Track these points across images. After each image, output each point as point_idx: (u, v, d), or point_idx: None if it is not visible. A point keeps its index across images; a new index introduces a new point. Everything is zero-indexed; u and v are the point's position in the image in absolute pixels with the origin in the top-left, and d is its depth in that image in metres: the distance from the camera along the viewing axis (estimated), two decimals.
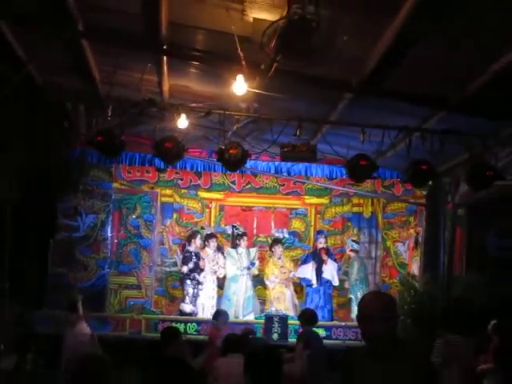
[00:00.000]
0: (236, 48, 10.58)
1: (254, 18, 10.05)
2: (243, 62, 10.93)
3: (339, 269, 18.89)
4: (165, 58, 12.30)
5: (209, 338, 14.14)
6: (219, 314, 14.76)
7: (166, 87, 13.77)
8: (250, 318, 17.93)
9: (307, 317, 13.68)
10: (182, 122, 13.49)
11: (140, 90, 13.19)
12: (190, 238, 18.88)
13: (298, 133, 12.91)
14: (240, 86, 11.57)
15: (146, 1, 10.44)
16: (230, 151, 13.00)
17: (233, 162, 13.30)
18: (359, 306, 5.24)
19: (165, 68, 12.75)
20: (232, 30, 10.30)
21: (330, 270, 18.61)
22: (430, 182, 15.82)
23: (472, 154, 13.12)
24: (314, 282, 18.51)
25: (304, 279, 18.74)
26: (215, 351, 12.52)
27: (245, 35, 10.32)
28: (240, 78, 11.40)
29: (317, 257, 18.77)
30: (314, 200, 19.74)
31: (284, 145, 13.41)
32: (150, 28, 11.25)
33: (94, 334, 14.27)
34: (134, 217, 18.86)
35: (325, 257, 18.67)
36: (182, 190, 19.45)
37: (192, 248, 18.61)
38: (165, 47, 11.78)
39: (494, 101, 11.63)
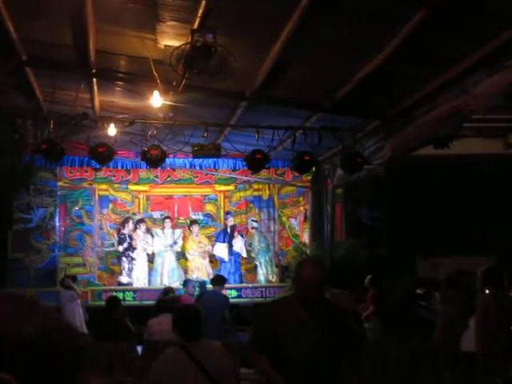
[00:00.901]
0: (152, 69, 10.69)
1: (165, 45, 10.15)
2: (158, 81, 11.05)
3: (245, 242, 19.09)
4: (94, 79, 12.35)
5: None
6: (187, 283, 14.93)
7: (97, 103, 13.76)
8: (176, 284, 18.06)
9: (213, 280, 14.42)
10: (111, 130, 13.55)
11: (76, 105, 13.20)
12: (124, 223, 18.86)
13: (205, 135, 13.03)
14: (156, 100, 11.68)
15: (76, 34, 10.45)
16: (152, 152, 13.10)
17: (154, 161, 13.42)
18: (301, 272, 5.27)
19: (95, 87, 12.78)
20: (147, 55, 10.41)
21: (239, 244, 18.81)
22: (314, 169, 16.17)
23: (344, 146, 13.41)
24: (226, 258, 18.75)
25: (218, 257, 18.91)
26: None
27: (158, 59, 10.38)
28: (156, 93, 11.51)
29: (227, 233, 18.97)
30: (223, 187, 19.77)
31: (194, 145, 13.48)
32: (81, 56, 11.29)
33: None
34: (76, 208, 18.70)
35: (235, 233, 18.92)
36: (115, 185, 19.32)
37: (126, 231, 18.63)
38: (94, 71, 11.83)
39: (358, 103, 11.95)
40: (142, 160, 13.85)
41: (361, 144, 13.48)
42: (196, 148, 13.47)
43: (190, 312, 6.31)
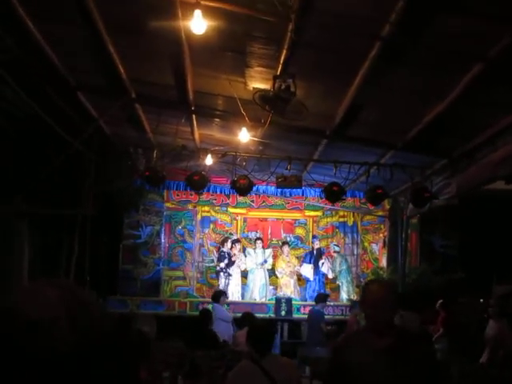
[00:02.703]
0: (240, 109, 11.03)
1: (253, 87, 10.45)
2: (246, 118, 11.37)
3: (330, 264, 19.20)
4: (193, 115, 12.78)
5: (348, 322, 14.69)
6: (355, 305, 15.32)
7: (196, 135, 14.22)
8: (265, 300, 18.30)
9: (316, 298, 15.73)
10: (208, 160, 13.94)
11: (178, 137, 13.66)
12: (223, 242, 19.18)
13: (288, 168, 13.22)
14: (244, 135, 12.00)
15: (176, 76, 10.90)
16: (240, 181, 13.36)
17: (242, 189, 13.62)
18: (369, 293, 4.55)
19: (194, 122, 13.23)
20: (237, 96, 10.73)
21: (326, 266, 18.91)
22: (391, 200, 16.23)
23: (413, 181, 13.41)
24: (312, 278, 18.85)
25: (305, 276, 19.03)
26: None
27: (248, 99, 10.68)
28: (244, 129, 11.83)
29: (313, 255, 19.11)
30: (311, 213, 19.94)
31: (278, 176, 13.71)
32: (181, 95, 11.75)
33: None
34: (180, 227, 19.20)
35: (322, 255, 19.07)
36: (216, 207, 19.73)
37: (225, 249, 18.91)
38: (192, 108, 12.27)
39: (427, 143, 12.00)
40: (231, 188, 14.16)
41: (430, 180, 13.45)
42: (280, 179, 13.67)
43: (261, 328, 6.43)
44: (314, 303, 17.11)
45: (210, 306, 15.80)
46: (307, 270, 18.92)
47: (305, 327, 16.40)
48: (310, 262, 19.01)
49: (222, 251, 18.94)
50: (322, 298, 15.37)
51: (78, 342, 1.19)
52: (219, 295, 14.95)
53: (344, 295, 18.87)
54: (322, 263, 18.88)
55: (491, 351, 11.07)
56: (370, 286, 4.69)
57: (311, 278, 18.84)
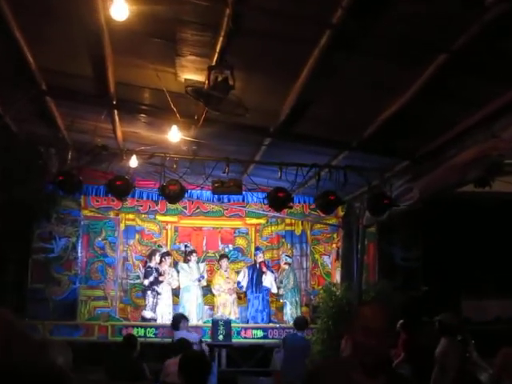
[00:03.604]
0: (173, 103, 10.94)
1: (185, 79, 10.40)
2: (177, 114, 11.29)
3: (275, 278, 19.14)
4: (115, 110, 12.63)
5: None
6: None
7: (119, 133, 14.05)
8: (200, 322, 18.18)
9: (296, 324, 15.78)
10: (133, 162, 13.79)
11: (96, 135, 13.47)
12: (151, 255, 19.01)
13: (226, 171, 13.17)
14: (174, 135, 11.91)
15: (95, 66, 10.75)
16: (170, 187, 13.19)
17: (173, 197, 13.47)
18: (363, 317, 4.20)
19: (116, 118, 13.06)
20: (166, 89, 10.65)
21: (269, 280, 18.88)
22: (345, 207, 16.30)
23: (371, 186, 13.45)
24: (245, 284, 18.98)
25: (238, 283, 19.00)
26: None
27: (179, 92, 10.61)
28: (174, 127, 11.74)
29: (256, 269, 19.08)
30: (254, 221, 19.81)
31: (214, 181, 13.55)
32: (101, 87, 11.59)
33: None
34: (99, 239, 18.86)
35: (264, 269, 18.94)
36: (143, 215, 19.45)
37: (152, 264, 18.76)
38: (114, 102, 12.12)
39: (385, 142, 12.08)
40: (160, 195, 14.03)
41: (389, 184, 13.50)
42: (216, 184, 13.52)
43: (195, 358, 6.40)
44: (254, 326, 17.22)
45: (135, 331, 15.79)
46: (241, 277, 19.13)
47: (278, 355, 16.27)
48: (250, 278, 19.00)
49: (149, 266, 18.80)
50: (305, 323, 15.65)
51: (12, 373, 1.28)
52: (178, 321, 14.93)
53: (289, 316, 18.74)
54: (265, 278, 18.89)
55: (436, 371, 11.32)
56: (363, 310, 4.40)
57: (244, 285, 19.01)
